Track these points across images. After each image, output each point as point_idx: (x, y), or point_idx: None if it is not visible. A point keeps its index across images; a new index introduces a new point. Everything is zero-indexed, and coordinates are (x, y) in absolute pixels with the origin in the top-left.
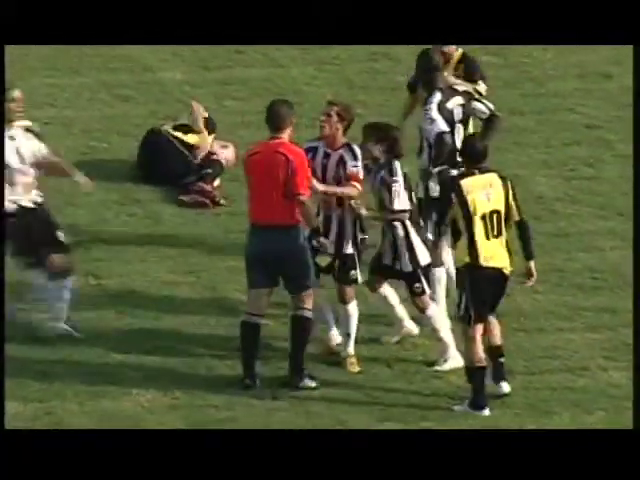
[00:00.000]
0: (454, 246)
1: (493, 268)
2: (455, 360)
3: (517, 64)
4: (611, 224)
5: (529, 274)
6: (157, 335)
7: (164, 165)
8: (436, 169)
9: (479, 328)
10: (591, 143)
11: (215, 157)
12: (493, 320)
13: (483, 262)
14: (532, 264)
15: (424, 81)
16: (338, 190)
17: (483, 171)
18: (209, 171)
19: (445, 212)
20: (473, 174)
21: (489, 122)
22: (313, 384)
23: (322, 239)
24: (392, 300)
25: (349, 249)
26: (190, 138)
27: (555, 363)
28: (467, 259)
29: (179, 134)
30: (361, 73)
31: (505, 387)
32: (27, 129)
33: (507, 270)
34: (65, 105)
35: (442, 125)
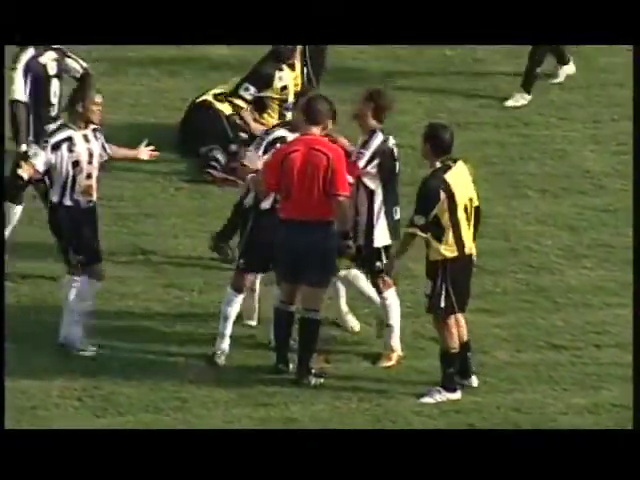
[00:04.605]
0: (435, 241)
1: (469, 255)
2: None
3: None
4: None
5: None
6: (203, 309)
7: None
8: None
9: (453, 317)
10: None
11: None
12: (460, 315)
13: (467, 252)
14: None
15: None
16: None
17: (454, 160)
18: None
19: None
20: (450, 167)
21: (82, 80)
22: (321, 380)
23: (350, 243)
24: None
25: (367, 240)
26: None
27: (604, 339)
28: (450, 252)
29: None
30: None
31: (474, 381)
32: (95, 129)
33: (474, 256)
34: (113, 79)
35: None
